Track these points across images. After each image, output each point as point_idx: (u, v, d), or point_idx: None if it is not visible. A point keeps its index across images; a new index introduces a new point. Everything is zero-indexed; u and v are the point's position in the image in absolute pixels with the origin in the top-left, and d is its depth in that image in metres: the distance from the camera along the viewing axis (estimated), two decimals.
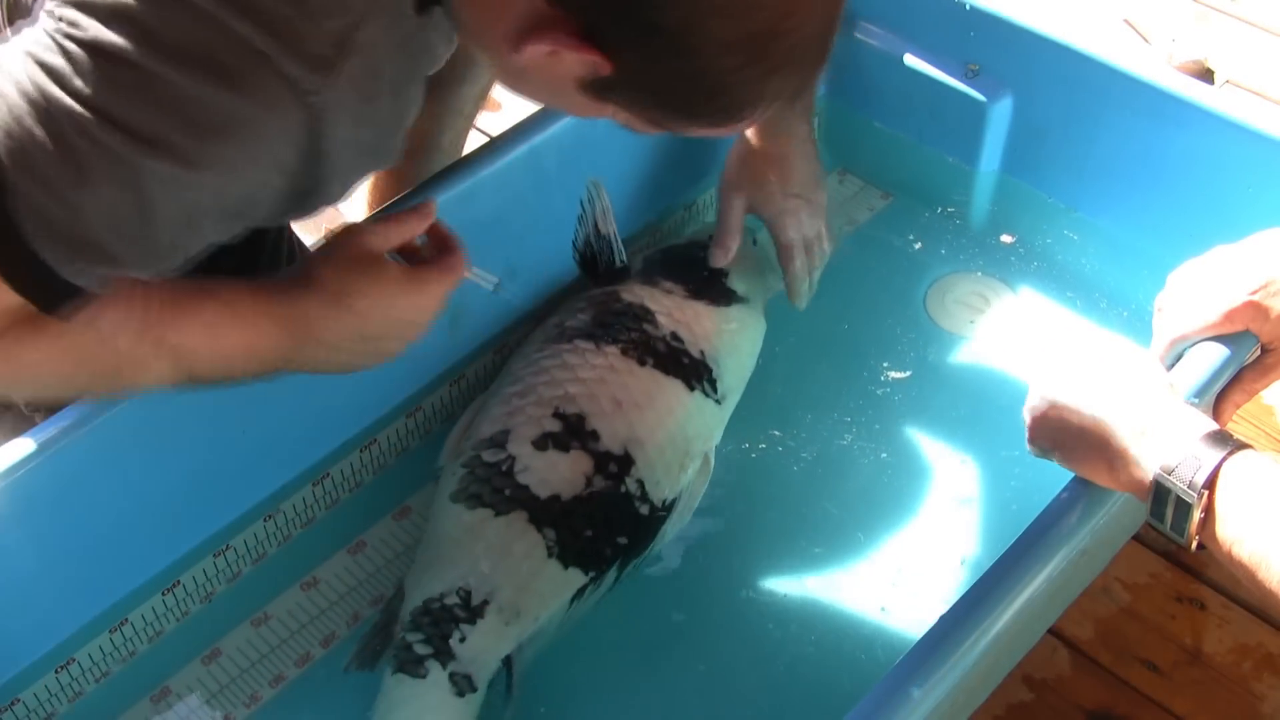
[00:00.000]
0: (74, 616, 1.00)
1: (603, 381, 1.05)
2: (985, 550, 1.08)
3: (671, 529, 1.05)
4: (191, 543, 1.05)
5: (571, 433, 1.02)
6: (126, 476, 0.96)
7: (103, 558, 0.99)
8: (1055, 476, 0.87)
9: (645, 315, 1.10)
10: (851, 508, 1.11)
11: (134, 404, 0.93)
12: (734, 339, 1.13)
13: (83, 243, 0.71)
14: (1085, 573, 1.08)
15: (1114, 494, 0.84)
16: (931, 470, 1.14)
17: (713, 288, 1.15)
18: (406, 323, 0.91)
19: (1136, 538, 1.14)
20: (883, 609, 1.05)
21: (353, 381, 1.07)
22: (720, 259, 1.16)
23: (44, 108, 0.69)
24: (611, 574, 1.01)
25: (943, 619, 0.80)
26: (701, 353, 1.10)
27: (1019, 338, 1.24)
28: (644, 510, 1.02)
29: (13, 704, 0.97)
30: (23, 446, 0.90)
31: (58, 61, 0.69)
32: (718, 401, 1.10)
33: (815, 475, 1.13)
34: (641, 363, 1.07)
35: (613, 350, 1.07)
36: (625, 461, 1.02)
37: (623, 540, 1.01)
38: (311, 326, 0.86)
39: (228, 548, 1.06)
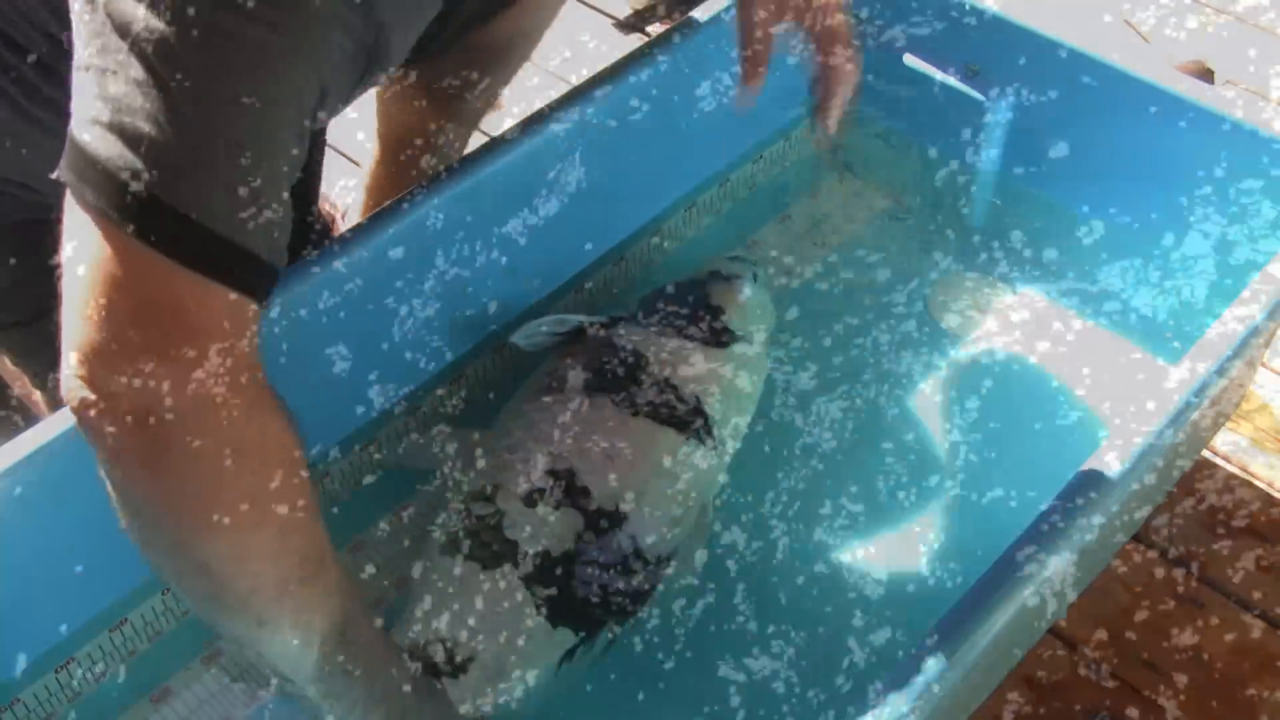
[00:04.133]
0: (74, 616, 1.00)
1: (592, 435, 1.03)
2: (985, 550, 1.07)
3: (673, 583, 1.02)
4: None
5: (561, 489, 1.01)
6: None
7: (103, 557, 0.99)
8: (1055, 476, 0.87)
9: (637, 362, 1.07)
10: (851, 507, 1.11)
11: None
12: (731, 381, 1.10)
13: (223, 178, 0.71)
14: (1085, 573, 1.09)
15: (1114, 494, 0.84)
16: (932, 469, 1.14)
17: (708, 328, 1.12)
18: None
19: (1136, 537, 1.14)
20: (881, 610, 1.05)
21: (352, 380, 1.08)
22: (753, 81, 1.00)
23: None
24: (605, 635, 0.98)
25: (943, 619, 0.80)
26: (696, 398, 1.07)
27: (1019, 338, 1.24)
28: (637, 566, 0.99)
29: (13, 704, 0.97)
30: (23, 446, 0.90)
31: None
32: (714, 449, 1.07)
33: (813, 475, 1.13)
34: (634, 413, 1.05)
35: (603, 401, 1.05)
36: (617, 517, 1.00)
37: (616, 598, 0.98)
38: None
39: None
